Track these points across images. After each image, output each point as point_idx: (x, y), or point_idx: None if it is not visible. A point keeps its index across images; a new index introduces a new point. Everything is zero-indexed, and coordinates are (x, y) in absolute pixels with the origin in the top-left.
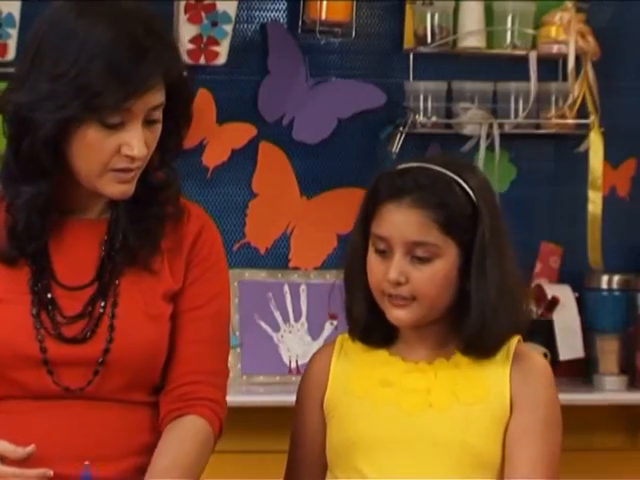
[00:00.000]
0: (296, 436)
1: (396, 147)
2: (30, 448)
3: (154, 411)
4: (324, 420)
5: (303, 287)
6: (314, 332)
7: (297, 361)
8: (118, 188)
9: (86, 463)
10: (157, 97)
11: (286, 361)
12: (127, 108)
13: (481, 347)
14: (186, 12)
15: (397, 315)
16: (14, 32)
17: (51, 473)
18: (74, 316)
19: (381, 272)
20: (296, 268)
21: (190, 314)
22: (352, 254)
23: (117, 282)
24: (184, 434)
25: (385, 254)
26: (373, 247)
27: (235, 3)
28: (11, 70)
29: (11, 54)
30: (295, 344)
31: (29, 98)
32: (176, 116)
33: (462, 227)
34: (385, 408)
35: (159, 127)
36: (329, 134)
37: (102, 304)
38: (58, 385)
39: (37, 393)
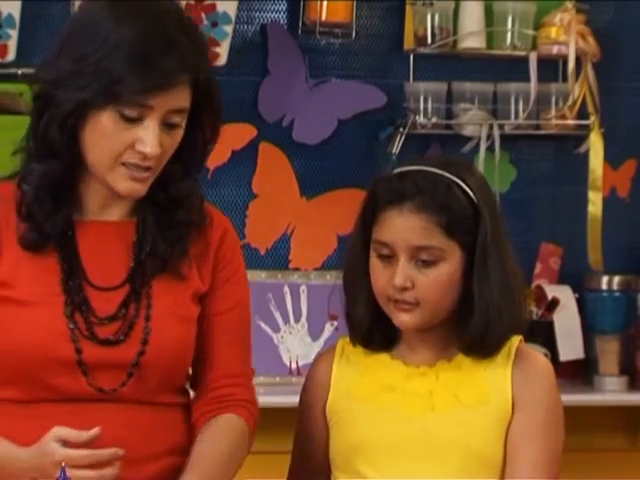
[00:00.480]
0: (299, 442)
1: (396, 148)
2: (94, 431)
3: (183, 412)
4: (327, 425)
5: (303, 288)
6: (314, 333)
7: (297, 362)
8: (129, 185)
9: (62, 465)
10: (180, 98)
11: (286, 362)
12: (147, 104)
13: (485, 347)
14: (186, 13)
15: (403, 319)
16: (14, 33)
17: (121, 452)
18: (107, 317)
19: (385, 277)
20: (296, 269)
21: (219, 318)
22: (352, 259)
23: (149, 285)
24: (219, 430)
25: (388, 259)
26: (375, 253)
27: (235, 4)
28: (11, 71)
29: (11, 55)
30: (295, 345)
31: (55, 76)
32: (203, 129)
33: (464, 229)
34: (387, 412)
35: (179, 133)
36: (329, 135)
37: (135, 306)
38: (92, 386)
39: (70, 395)
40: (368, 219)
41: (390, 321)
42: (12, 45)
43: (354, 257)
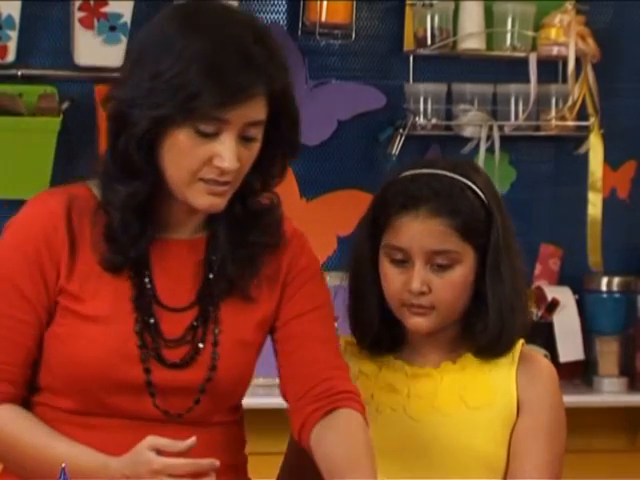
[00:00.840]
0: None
1: (396, 149)
2: (190, 441)
3: (236, 429)
4: None
5: None
6: None
7: None
8: (208, 200)
9: (63, 465)
10: (256, 111)
11: None
12: (223, 118)
13: (499, 347)
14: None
15: (416, 323)
16: (14, 34)
17: (218, 463)
18: (174, 340)
19: (400, 283)
20: None
21: (306, 317)
22: (360, 264)
23: (218, 308)
24: (348, 428)
25: (402, 264)
26: (388, 257)
27: (235, 5)
28: (11, 72)
29: (11, 56)
30: None
31: (129, 95)
32: (282, 141)
33: (478, 231)
34: (391, 413)
35: (256, 147)
36: (329, 136)
37: (203, 330)
38: (158, 409)
39: (127, 413)
40: (379, 224)
41: (397, 324)
42: (12, 46)
43: (362, 262)
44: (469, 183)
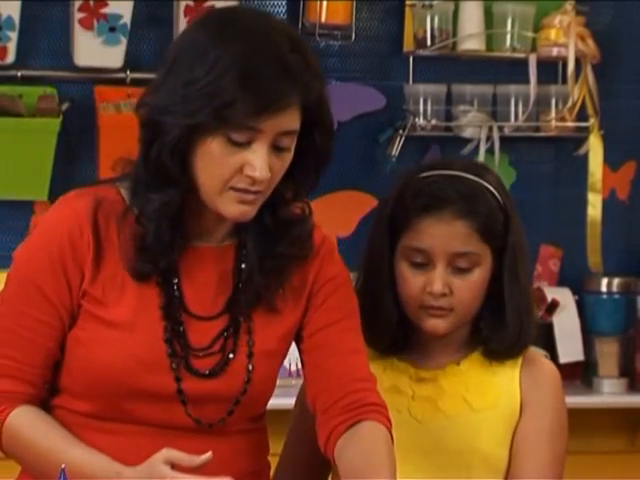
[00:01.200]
0: (295, 435)
1: (396, 150)
2: (206, 456)
3: (259, 436)
4: None
5: None
6: None
7: (297, 364)
8: (238, 208)
9: (62, 466)
10: (290, 121)
11: (286, 364)
12: (256, 127)
13: (515, 349)
14: (186, 15)
15: (435, 324)
16: (14, 35)
17: None
18: (202, 349)
19: (419, 284)
20: None
21: (333, 327)
22: (376, 265)
23: (251, 319)
24: (371, 440)
25: (421, 266)
26: (406, 260)
27: (239, 6)
28: (11, 73)
29: (11, 57)
30: (295, 347)
31: (162, 102)
32: (315, 151)
33: (496, 233)
34: (396, 415)
35: (288, 156)
36: None
37: (234, 340)
38: (190, 417)
39: (155, 422)
40: (396, 224)
41: (409, 326)
42: (11, 47)
43: (378, 263)
44: (488, 185)
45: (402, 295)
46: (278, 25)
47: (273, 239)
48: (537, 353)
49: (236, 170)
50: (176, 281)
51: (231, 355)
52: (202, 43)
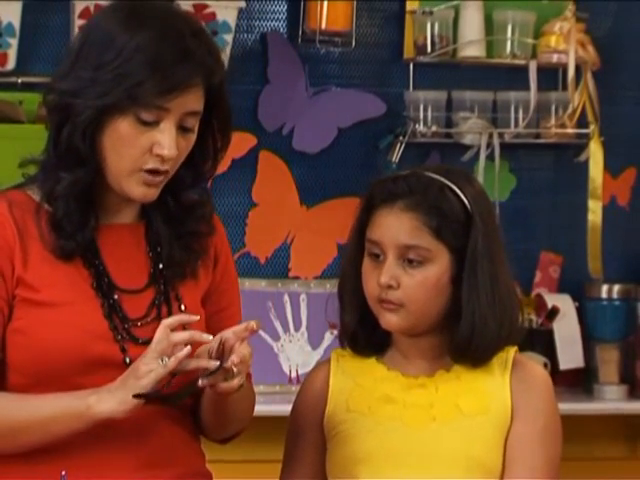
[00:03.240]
0: (292, 454)
1: (396, 156)
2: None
3: (189, 410)
4: (323, 438)
5: (303, 296)
6: (314, 342)
7: (297, 370)
8: (142, 190)
9: (62, 473)
10: (195, 101)
11: (286, 370)
12: (164, 106)
13: (471, 354)
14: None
15: (388, 319)
16: (14, 41)
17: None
18: (140, 318)
19: (375, 277)
20: (296, 277)
21: (224, 313)
22: (347, 262)
23: (175, 288)
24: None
25: (378, 259)
26: (367, 252)
27: (235, 12)
28: (11, 79)
29: (11, 63)
30: (295, 353)
31: (72, 86)
32: (215, 135)
33: (454, 233)
34: (389, 424)
35: (192, 137)
36: (329, 143)
37: (167, 309)
38: None
39: None
40: (363, 220)
41: (378, 326)
42: (12, 54)
43: (349, 260)
44: (450, 184)
45: (364, 290)
46: (181, 14)
47: (180, 220)
48: (526, 358)
49: (145, 150)
50: (98, 259)
51: None
52: (110, 31)
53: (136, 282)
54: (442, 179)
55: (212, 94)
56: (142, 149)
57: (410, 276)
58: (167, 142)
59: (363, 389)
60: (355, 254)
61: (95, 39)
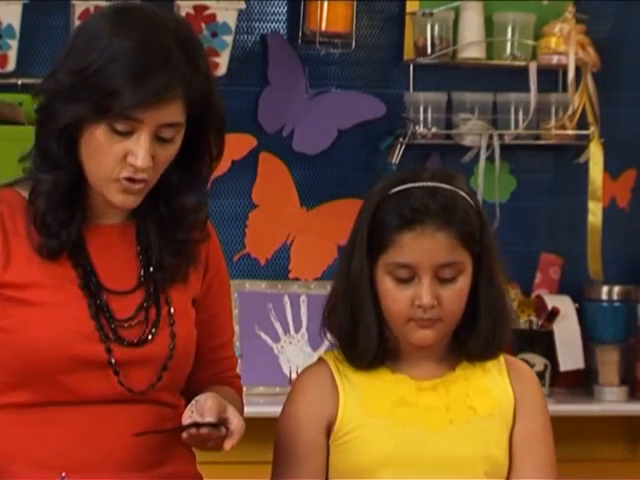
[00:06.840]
0: (290, 458)
1: (396, 158)
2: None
3: (176, 412)
4: (327, 443)
5: (303, 298)
6: (314, 343)
7: (297, 372)
8: (122, 197)
9: (62, 475)
10: (172, 113)
11: (286, 372)
12: (137, 118)
13: (491, 351)
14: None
15: (423, 335)
16: (14, 43)
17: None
18: (128, 319)
19: (406, 299)
20: (296, 279)
21: (215, 320)
22: (357, 284)
23: (165, 290)
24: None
25: (407, 280)
26: (391, 276)
27: (235, 14)
28: (11, 81)
29: (11, 65)
30: (295, 355)
31: (54, 88)
32: (208, 142)
33: (475, 239)
34: (407, 427)
35: (173, 148)
36: (329, 145)
37: (156, 310)
38: (123, 386)
39: (88, 397)
40: (375, 242)
41: (389, 339)
42: (12, 55)
43: (359, 281)
44: (461, 192)
45: (388, 311)
46: (169, 23)
47: (170, 227)
48: (514, 357)
49: (119, 159)
50: (87, 259)
51: (156, 325)
52: (95, 33)
53: (125, 283)
54: (456, 189)
55: (197, 104)
56: (116, 158)
57: (448, 291)
58: (141, 153)
59: (373, 394)
60: (367, 275)
61: (80, 41)
